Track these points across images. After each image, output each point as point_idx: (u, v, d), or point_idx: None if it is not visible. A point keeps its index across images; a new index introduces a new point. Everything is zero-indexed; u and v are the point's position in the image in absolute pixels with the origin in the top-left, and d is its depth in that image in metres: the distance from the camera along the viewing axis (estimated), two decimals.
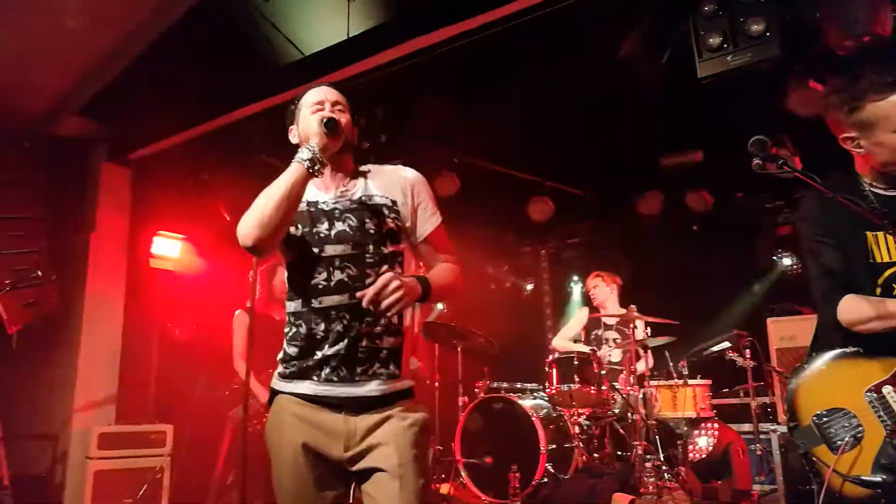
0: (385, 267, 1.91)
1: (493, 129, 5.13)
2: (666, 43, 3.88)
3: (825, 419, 2.04)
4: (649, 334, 5.19)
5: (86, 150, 5.90)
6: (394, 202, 2.00)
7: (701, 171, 5.96)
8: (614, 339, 5.46)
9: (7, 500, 4.46)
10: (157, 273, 6.15)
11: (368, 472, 1.84)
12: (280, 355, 2.00)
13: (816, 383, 2.12)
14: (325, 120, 1.91)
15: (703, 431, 4.90)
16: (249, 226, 1.83)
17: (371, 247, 1.92)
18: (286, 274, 2.01)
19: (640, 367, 5.03)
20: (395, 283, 1.75)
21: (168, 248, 6.20)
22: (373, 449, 1.84)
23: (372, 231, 1.94)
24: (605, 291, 5.60)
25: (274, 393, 1.98)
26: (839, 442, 1.99)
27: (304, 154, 1.88)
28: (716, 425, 4.94)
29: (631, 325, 4.98)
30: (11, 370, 5.21)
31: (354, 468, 1.86)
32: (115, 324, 5.72)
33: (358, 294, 1.80)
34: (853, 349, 2.09)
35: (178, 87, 4.99)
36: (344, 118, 2.01)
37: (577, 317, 5.83)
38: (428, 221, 2.04)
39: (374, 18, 4.35)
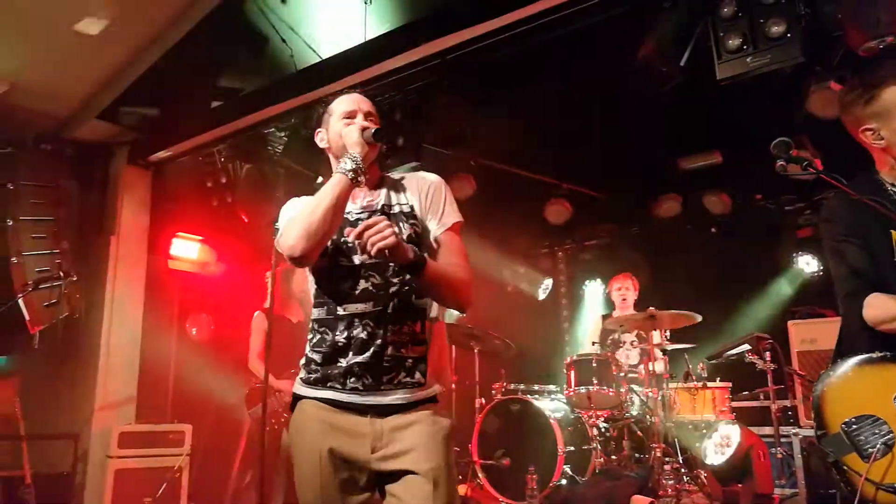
0: (408, 276, 1.89)
1: (510, 131, 5.12)
2: (684, 45, 3.85)
3: (854, 426, 2.00)
4: (668, 338, 5.15)
5: (107, 154, 5.98)
6: (412, 207, 2.00)
7: (720, 173, 5.92)
8: (632, 342, 5.43)
9: (29, 498, 4.51)
10: (175, 274, 6.22)
11: (397, 475, 1.83)
12: (303, 360, 2.00)
13: (843, 390, 2.08)
14: (372, 131, 1.94)
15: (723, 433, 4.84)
16: (295, 237, 1.83)
17: None
18: (313, 282, 2.01)
19: (659, 367, 5.00)
20: (385, 223, 1.72)
21: (187, 250, 6.27)
22: (403, 453, 1.83)
23: None
24: (633, 295, 5.59)
25: (297, 398, 1.98)
26: (870, 449, 1.95)
27: (347, 165, 1.89)
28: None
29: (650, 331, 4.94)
30: (33, 370, 5.26)
31: (382, 468, 1.84)
32: (135, 324, 5.78)
33: (346, 231, 1.83)
34: (879, 354, 2.06)
35: (196, 90, 5.04)
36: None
37: (592, 329, 5.82)
38: (439, 221, 2.00)
39: (390, 21, 4.37)
